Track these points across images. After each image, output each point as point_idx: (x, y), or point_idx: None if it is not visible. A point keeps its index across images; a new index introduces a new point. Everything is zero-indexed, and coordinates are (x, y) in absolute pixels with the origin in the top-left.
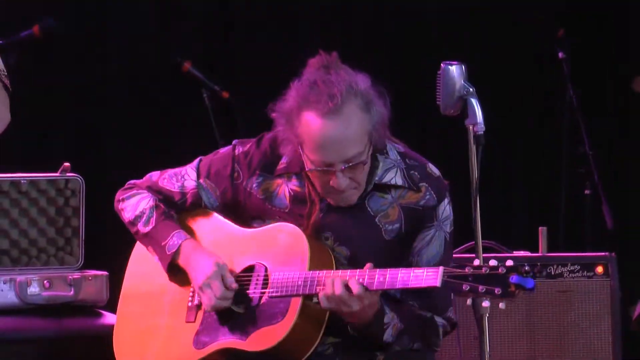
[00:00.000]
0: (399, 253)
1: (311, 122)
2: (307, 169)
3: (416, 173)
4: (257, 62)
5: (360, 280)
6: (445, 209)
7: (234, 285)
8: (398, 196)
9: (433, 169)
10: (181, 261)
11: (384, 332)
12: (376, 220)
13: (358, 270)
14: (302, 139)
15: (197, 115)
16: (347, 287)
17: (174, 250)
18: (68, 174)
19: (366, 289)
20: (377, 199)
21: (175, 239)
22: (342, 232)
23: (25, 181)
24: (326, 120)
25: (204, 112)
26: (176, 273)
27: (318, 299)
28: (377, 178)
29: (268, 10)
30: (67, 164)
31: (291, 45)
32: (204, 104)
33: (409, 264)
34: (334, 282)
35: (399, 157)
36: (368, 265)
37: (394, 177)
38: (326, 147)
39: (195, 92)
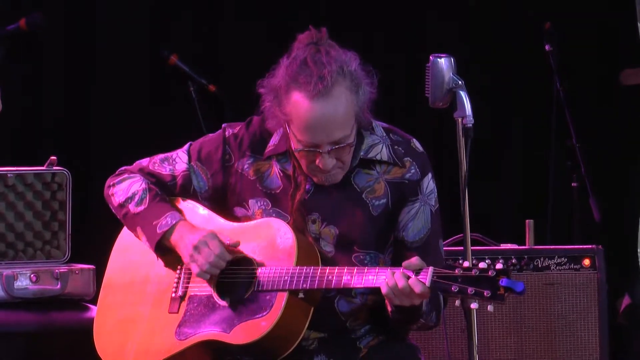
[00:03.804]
0: (387, 229)
1: (300, 103)
2: (293, 148)
3: (400, 148)
4: (245, 55)
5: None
6: (429, 183)
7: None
8: (383, 171)
9: (417, 144)
10: (173, 238)
11: (422, 303)
12: (363, 196)
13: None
14: (289, 117)
15: (184, 109)
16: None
17: (166, 229)
18: (55, 168)
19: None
20: (363, 175)
21: (168, 219)
22: (330, 211)
23: (12, 175)
24: (315, 103)
25: (191, 106)
26: (162, 257)
27: (303, 293)
28: (362, 153)
29: (256, 2)
30: (53, 157)
31: (280, 38)
32: (191, 97)
33: (396, 240)
34: (396, 275)
35: (384, 133)
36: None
37: (379, 153)
38: (313, 129)
39: (182, 85)
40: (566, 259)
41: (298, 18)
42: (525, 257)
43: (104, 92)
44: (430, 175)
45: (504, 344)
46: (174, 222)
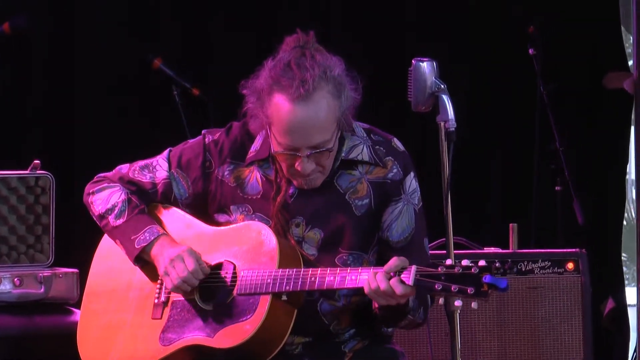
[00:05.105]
0: (371, 229)
1: (281, 106)
2: (273, 150)
3: (382, 148)
4: (230, 59)
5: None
6: (412, 182)
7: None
8: (365, 171)
9: (398, 143)
10: (152, 253)
11: (408, 300)
12: (346, 197)
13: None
14: (271, 120)
15: (167, 113)
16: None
17: (144, 244)
18: (38, 172)
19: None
20: (346, 176)
21: (147, 234)
22: (314, 214)
23: None
24: (295, 106)
25: (175, 109)
26: (143, 268)
27: (286, 296)
28: (343, 154)
29: (243, 6)
30: (37, 161)
31: (265, 42)
32: (175, 101)
33: (380, 240)
34: (377, 276)
35: (364, 134)
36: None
37: (360, 153)
38: (293, 133)
39: (166, 89)
40: (550, 263)
41: (286, 23)
42: (509, 260)
43: (88, 95)
44: (412, 174)
45: (488, 347)
46: (152, 238)
